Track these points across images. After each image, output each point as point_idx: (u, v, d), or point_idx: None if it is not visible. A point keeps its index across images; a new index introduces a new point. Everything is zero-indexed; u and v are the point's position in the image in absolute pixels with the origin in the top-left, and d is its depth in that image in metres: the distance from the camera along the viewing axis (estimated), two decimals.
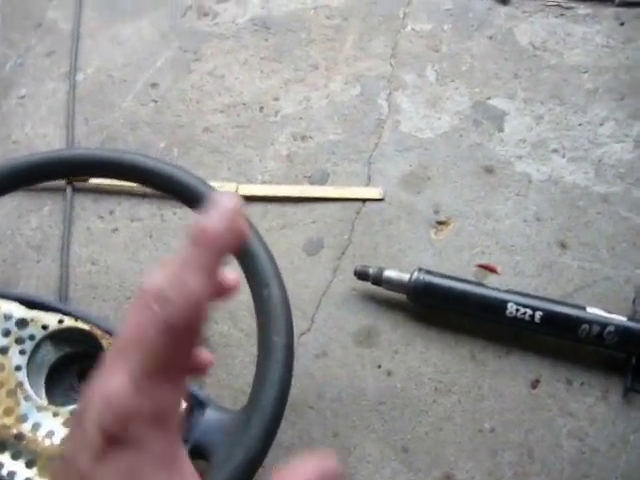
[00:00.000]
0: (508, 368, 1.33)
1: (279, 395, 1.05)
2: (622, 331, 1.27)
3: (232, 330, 1.40)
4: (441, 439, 1.28)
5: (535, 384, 1.32)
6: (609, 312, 1.30)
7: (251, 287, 1.10)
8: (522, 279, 1.42)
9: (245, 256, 1.09)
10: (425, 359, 1.35)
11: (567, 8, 1.80)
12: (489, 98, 1.65)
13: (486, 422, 1.29)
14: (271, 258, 1.11)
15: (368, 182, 1.55)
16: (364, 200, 1.52)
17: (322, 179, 1.56)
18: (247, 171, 1.59)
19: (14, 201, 1.58)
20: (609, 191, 1.51)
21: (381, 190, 1.53)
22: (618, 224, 1.47)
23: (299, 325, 1.39)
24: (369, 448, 1.28)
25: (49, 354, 1.11)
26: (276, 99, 1.69)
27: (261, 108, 1.68)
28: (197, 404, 1.06)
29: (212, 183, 1.44)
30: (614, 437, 1.26)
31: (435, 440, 1.28)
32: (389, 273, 1.37)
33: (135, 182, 1.20)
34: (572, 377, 1.32)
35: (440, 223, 1.50)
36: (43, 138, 1.68)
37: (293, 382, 1.33)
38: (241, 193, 1.53)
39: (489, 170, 1.55)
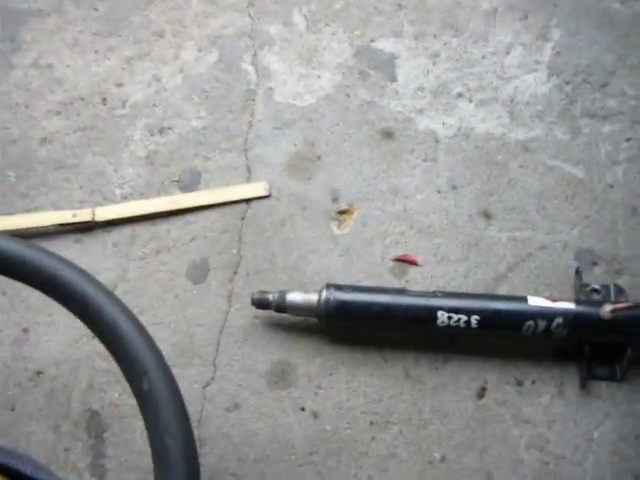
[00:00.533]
0: (448, 380, 1.15)
1: None
2: (572, 321, 1.10)
3: (123, 396, 1.16)
4: None
5: (481, 393, 1.15)
6: (553, 299, 1.12)
7: (127, 379, 0.86)
8: (447, 266, 1.22)
9: (110, 341, 0.84)
10: (353, 389, 1.15)
11: None
12: (373, 40, 1.37)
13: (435, 451, 1.12)
14: (143, 334, 0.86)
15: (249, 175, 1.29)
16: (248, 200, 1.26)
17: (193, 181, 1.29)
18: (102, 186, 1.29)
19: None
20: (528, 136, 1.30)
21: (266, 184, 1.27)
22: (545, 177, 1.27)
23: (201, 375, 1.16)
24: None
25: None
26: (120, 85, 1.36)
27: (104, 100, 1.35)
28: None
29: (63, 211, 1.17)
30: (577, 438, 1.12)
31: None
32: (293, 297, 1.15)
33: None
34: (521, 376, 1.15)
35: (342, 213, 1.26)
36: None
37: (208, 448, 1.13)
38: (99, 219, 1.25)
39: (387, 134, 1.31)
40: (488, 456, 1.11)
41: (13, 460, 0.79)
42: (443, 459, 1.12)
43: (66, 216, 1.24)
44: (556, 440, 1.12)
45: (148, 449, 1.12)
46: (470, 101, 1.33)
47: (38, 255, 0.89)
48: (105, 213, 1.26)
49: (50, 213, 1.26)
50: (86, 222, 1.24)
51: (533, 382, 1.15)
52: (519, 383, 1.15)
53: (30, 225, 1.24)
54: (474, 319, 1.11)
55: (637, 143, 1.29)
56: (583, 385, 1.15)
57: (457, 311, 1.11)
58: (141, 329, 0.86)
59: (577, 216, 1.25)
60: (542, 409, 1.14)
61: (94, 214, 1.25)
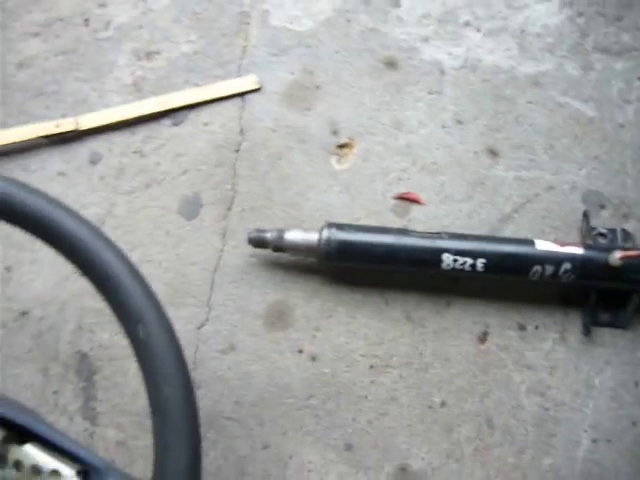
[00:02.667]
0: (450, 324, 1.12)
1: (189, 469, 0.79)
2: (580, 267, 1.07)
3: (114, 337, 1.11)
4: (387, 426, 1.08)
5: (483, 337, 1.12)
6: (561, 244, 1.08)
7: (122, 326, 0.81)
8: (451, 206, 1.17)
9: (103, 285, 0.79)
10: (352, 331, 1.12)
11: None
12: None
13: (435, 395, 1.10)
14: (137, 278, 0.81)
15: (242, 104, 1.21)
16: (242, 94, 1.21)
17: (183, 111, 1.21)
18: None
19: None
20: (539, 70, 1.24)
21: (256, 77, 1.21)
22: (554, 114, 1.22)
23: (195, 315, 1.12)
24: (307, 454, 1.07)
25: None
26: (102, 5, 1.26)
27: (86, 21, 1.25)
28: (91, 471, 0.81)
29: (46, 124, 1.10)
30: (578, 384, 1.11)
31: (381, 429, 1.08)
32: (292, 236, 1.09)
33: None
34: (524, 321, 1.13)
35: (342, 147, 1.20)
36: None
37: (203, 390, 1.09)
38: (84, 127, 1.17)
39: (390, 63, 1.24)
40: (489, 401, 1.10)
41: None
42: (443, 404, 1.10)
43: (49, 127, 1.16)
44: (557, 386, 1.11)
45: (140, 392, 1.09)
46: (478, 30, 1.26)
47: (22, 192, 0.83)
48: (89, 120, 1.18)
49: (32, 126, 1.17)
50: (70, 132, 1.16)
51: (536, 327, 1.13)
52: (521, 328, 1.13)
53: (12, 140, 1.16)
54: (480, 262, 1.07)
55: None
56: (587, 331, 1.13)
57: (463, 254, 1.07)
58: (135, 272, 0.81)
59: (585, 156, 1.20)
60: (544, 355, 1.12)
61: (78, 123, 1.17)
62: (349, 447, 1.08)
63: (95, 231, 0.80)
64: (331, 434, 1.08)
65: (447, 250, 1.07)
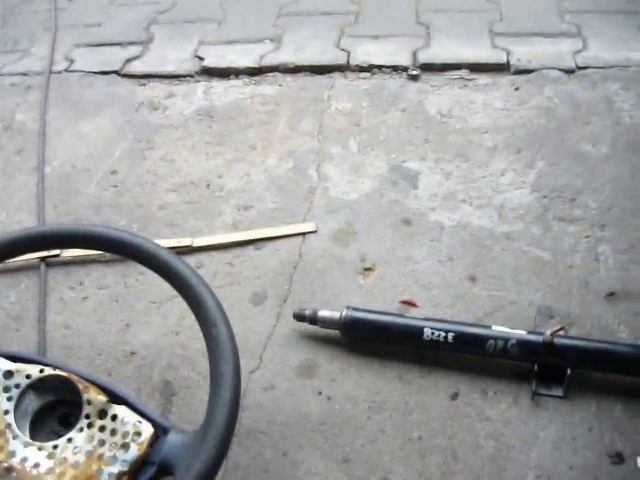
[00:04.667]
0: (431, 385, 1.53)
1: (230, 413, 1.15)
2: (522, 342, 1.48)
3: (191, 374, 1.59)
4: (376, 449, 1.46)
5: (455, 396, 1.51)
6: (511, 329, 1.52)
7: (202, 328, 1.27)
8: (439, 309, 1.64)
9: (195, 302, 1.27)
10: (359, 384, 1.55)
11: (469, 80, 2.09)
12: (404, 161, 1.91)
13: (414, 432, 1.48)
14: (217, 303, 1.28)
15: (302, 241, 1.79)
16: (303, 234, 1.77)
17: (262, 242, 1.80)
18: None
19: None
20: (511, 230, 1.76)
21: (313, 224, 1.78)
22: (520, 257, 1.71)
23: (249, 364, 1.59)
24: (314, 462, 1.45)
25: (33, 402, 1.25)
26: (220, 176, 1.94)
27: (208, 185, 1.93)
28: (161, 429, 1.21)
29: (171, 239, 1.68)
30: (526, 435, 1.45)
31: (371, 450, 1.46)
32: (323, 313, 1.59)
33: (104, 251, 1.40)
34: (487, 387, 1.52)
35: (366, 269, 1.72)
36: (17, 224, 1.91)
37: (247, 412, 1.52)
38: (196, 245, 1.77)
39: (407, 222, 1.80)
40: (455, 440, 1.45)
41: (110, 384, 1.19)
42: (420, 438, 1.47)
43: (173, 242, 1.77)
44: (509, 434, 1.46)
45: (203, 409, 1.53)
46: (470, 205, 1.81)
47: (145, 242, 1.37)
48: (200, 241, 1.78)
49: (161, 240, 1.75)
50: (186, 246, 1.77)
51: (495, 392, 1.51)
52: (484, 392, 1.51)
53: None
54: (450, 335, 1.51)
55: (594, 240, 1.72)
56: (533, 398, 1.50)
57: (438, 329, 1.52)
58: (214, 296, 1.32)
59: (541, 284, 1.66)
60: (500, 412, 1.48)
61: (192, 241, 1.78)
62: (346, 461, 1.45)
63: (191, 269, 1.33)
64: (334, 450, 1.46)
65: (427, 326, 1.53)
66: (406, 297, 1.66)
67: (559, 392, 1.50)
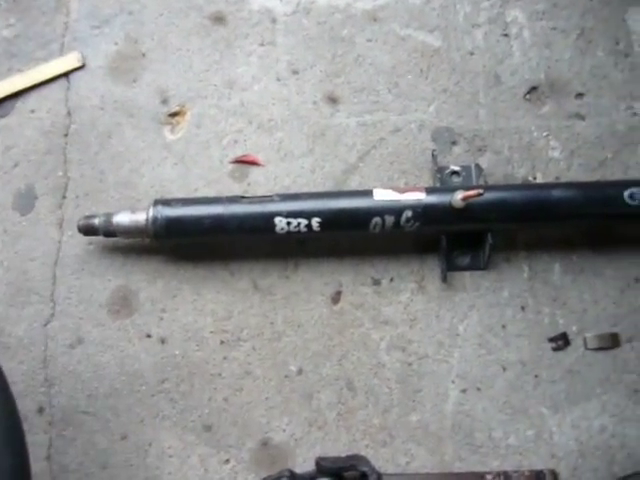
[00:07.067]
0: (300, 287, 1.08)
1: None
2: (422, 213, 1.01)
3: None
4: (245, 402, 1.06)
5: (336, 297, 1.07)
6: (401, 190, 1.02)
7: None
8: (292, 163, 1.12)
9: None
10: (199, 309, 1.08)
11: None
12: None
13: (291, 364, 1.06)
14: None
15: (68, 85, 1.16)
16: (66, 74, 1.17)
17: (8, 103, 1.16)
18: None
19: None
20: (376, 4, 1.16)
21: (78, 54, 1.17)
22: (396, 49, 1.15)
23: (40, 312, 1.10)
24: (166, 440, 1.05)
25: None
26: None
27: None
28: None
29: None
30: (441, 334, 1.06)
31: (238, 406, 1.05)
32: (119, 219, 1.05)
33: None
34: (378, 275, 1.08)
35: (173, 115, 1.15)
36: None
37: (57, 388, 1.08)
38: None
39: (218, 18, 1.17)
40: (348, 363, 1.06)
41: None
42: (300, 371, 1.06)
43: None
44: (418, 339, 1.06)
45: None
46: None
47: None
48: None
49: None
50: None
51: (391, 280, 1.08)
52: (376, 282, 1.08)
53: None
54: (315, 222, 1.02)
55: (499, 1, 1.14)
56: (444, 278, 1.07)
57: (296, 215, 1.02)
58: None
59: (433, 91, 1.14)
60: (402, 308, 1.07)
61: None
62: (208, 428, 1.06)
63: None
64: (188, 417, 1.06)
65: (279, 214, 1.02)
66: (240, 152, 1.12)
67: (479, 263, 1.06)
